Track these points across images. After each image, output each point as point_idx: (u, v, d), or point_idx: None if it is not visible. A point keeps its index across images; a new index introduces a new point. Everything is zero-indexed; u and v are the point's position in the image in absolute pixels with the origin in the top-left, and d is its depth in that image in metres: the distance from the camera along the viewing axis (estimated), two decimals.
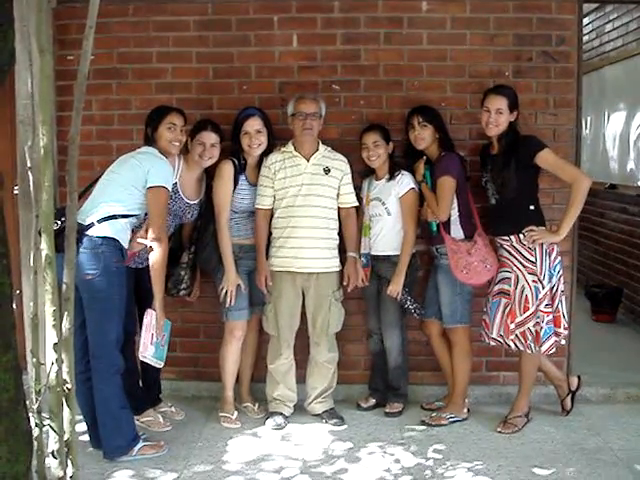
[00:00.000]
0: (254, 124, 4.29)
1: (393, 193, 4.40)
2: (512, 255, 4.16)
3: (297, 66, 4.70)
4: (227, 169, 4.27)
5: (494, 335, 4.25)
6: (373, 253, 4.46)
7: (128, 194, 3.78)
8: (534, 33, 4.61)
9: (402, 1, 4.65)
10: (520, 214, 4.15)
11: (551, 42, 4.60)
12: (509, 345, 4.20)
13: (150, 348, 3.93)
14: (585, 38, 6.79)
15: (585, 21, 6.59)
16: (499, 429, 4.27)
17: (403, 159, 4.52)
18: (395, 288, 4.35)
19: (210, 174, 4.33)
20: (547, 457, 3.93)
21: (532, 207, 4.18)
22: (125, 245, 3.79)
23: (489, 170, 4.26)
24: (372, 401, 4.64)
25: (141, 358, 3.96)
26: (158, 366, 4.08)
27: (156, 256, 3.80)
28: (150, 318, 3.92)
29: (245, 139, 4.29)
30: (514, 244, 4.15)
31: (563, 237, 4.11)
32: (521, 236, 4.12)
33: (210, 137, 4.21)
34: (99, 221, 3.69)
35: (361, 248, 4.46)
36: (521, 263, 4.12)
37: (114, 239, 3.70)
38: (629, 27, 6.81)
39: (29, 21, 3.32)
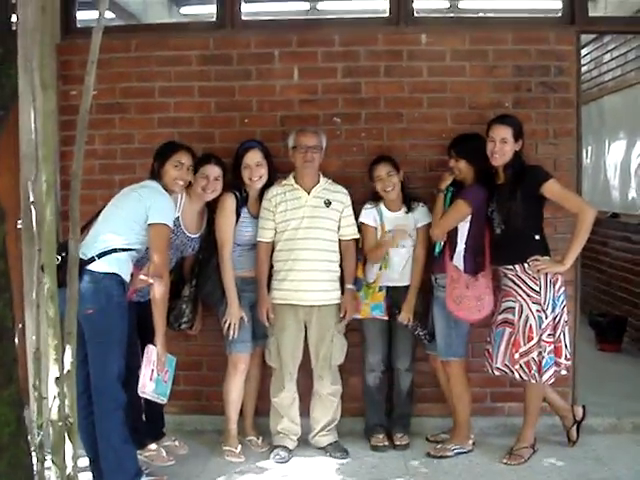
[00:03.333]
0: (254, 157, 4.31)
1: (414, 223, 4.44)
2: (516, 284, 4.15)
3: (298, 99, 4.74)
4: (229, 202, 4.28)
5: (499, 365, 4.22)
6: (395, 284, 4.46)
7: (129, 228, 3.78)
8: (533, 64, 4.65)
9: (402, 34, 4.70)
10: (525, 244, 4.14)
11: (550, 73, 4.64)
12: (514, 375, 4.18)
13: (149, 384, 3.90)
14: (584, 69, 6.83)
15: (583, 52, 6.64)
16: (505, 460, 4.23)
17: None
18: (407, 315, 4.38)
19: (212, 207, 4.34)
20: None
21: (537, 237, 4.17)
22: (126, 278, 3.79)
23: (495, 200, 4.24)
24: (385, 438, 4.51)
25: (140, 394, 3.94)
26: (160, 402, 4.05)
27: (158, 292, 3.80)
28: (150, 354, 3.91)
29: (246, 172, 4.31)
30: (519, 273, 4.14)
31: (568, 267, 4.11)
32: (526, 265, 4.10)
33: (213, 171, 4.23)
34: (99, 255, 3.68)
35: (379, 281, 4.44)
36: (525, 292, 4.11)
37: (115, 274, 3.70)
38: (627, 57, 6.87)
39: (32, 57, 3.35)
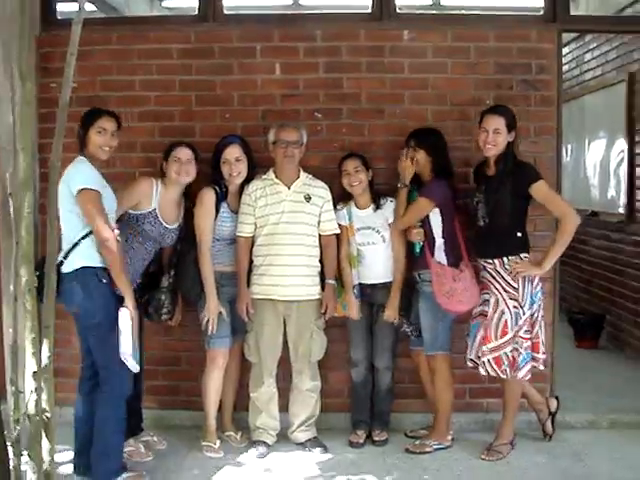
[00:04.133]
0: (233, 152, 4.30)
1: (383, 220, 4.42)
2: (494, 278, 4.16)
3: (279, 94, 4.72)
4: (208, 196, 4.26)
5: (472, 356, 4.25)
6: (371, 282, 4.45)
7: (72, 214, 3.70)
8: (514, 62, 4.66)
9: (383, 30, 4.70)
10: (507, 239, 4.14)
11: (531, 71, 4.66)
12: (480, 370, 4.20)
13: (129, 346, 3.75)
14: (565, 67, 6.86)
15: (565, 50, 6.68)
16: (483, 456, 4.25)
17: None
18: (392, 313, 4.37)
19: (190, 199, 4.32)
20: None
21: (519, 234, 4.16)
22: (101, 263, 3.70)
23: (483, 190, 4.22)
24: (363, 435, 4.54)
25: (123, 358, 3.84)
26: (135, 371, 3.93)
27: (107, 255, 3.68)
28: (125, 317, 3.75)
29: (225, 167, 4.30)
30: (497, 268, 4.14)
31: (546, 271, 4.12)
32: (505, 260, 4.11)
33: (185, 153, 4.20)
34: (65, 256, 3.67)
35: (351, 280, 4.45)
36: (502, 287, 4.12)
37: (86, 267, 3.67)
38: (608, 56, 6.90)
39: (11, 49, 3.33)
